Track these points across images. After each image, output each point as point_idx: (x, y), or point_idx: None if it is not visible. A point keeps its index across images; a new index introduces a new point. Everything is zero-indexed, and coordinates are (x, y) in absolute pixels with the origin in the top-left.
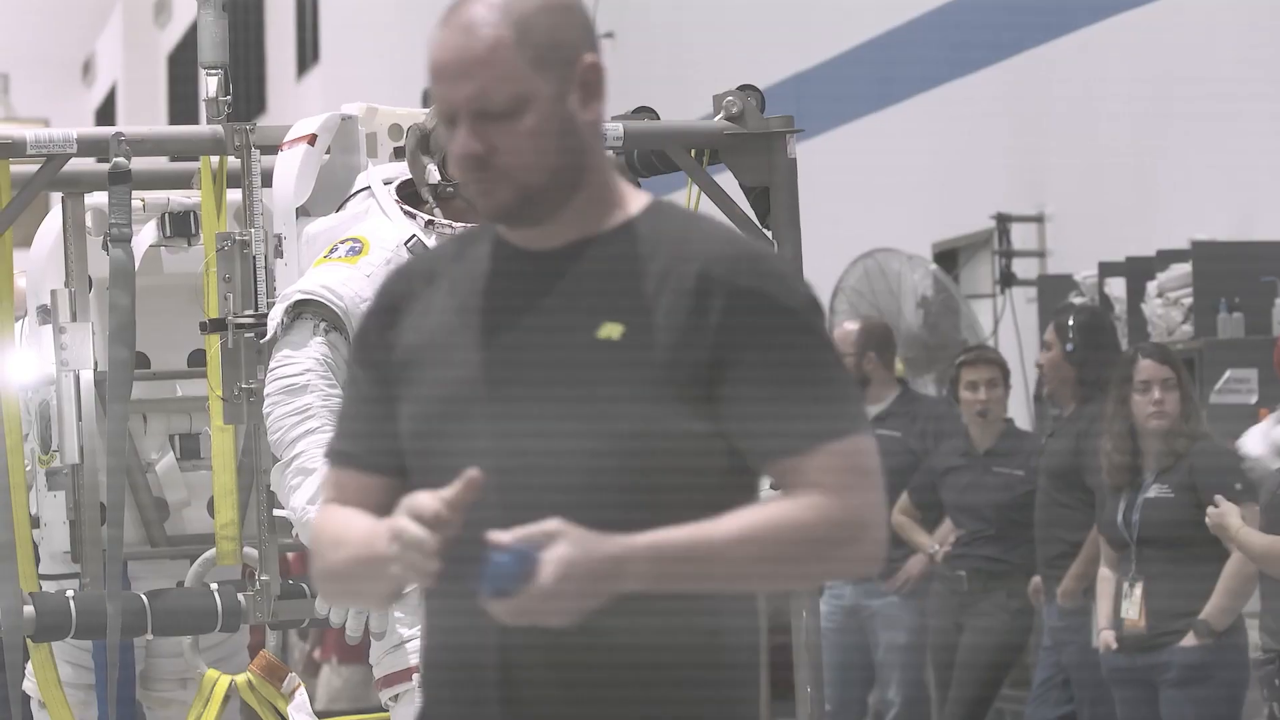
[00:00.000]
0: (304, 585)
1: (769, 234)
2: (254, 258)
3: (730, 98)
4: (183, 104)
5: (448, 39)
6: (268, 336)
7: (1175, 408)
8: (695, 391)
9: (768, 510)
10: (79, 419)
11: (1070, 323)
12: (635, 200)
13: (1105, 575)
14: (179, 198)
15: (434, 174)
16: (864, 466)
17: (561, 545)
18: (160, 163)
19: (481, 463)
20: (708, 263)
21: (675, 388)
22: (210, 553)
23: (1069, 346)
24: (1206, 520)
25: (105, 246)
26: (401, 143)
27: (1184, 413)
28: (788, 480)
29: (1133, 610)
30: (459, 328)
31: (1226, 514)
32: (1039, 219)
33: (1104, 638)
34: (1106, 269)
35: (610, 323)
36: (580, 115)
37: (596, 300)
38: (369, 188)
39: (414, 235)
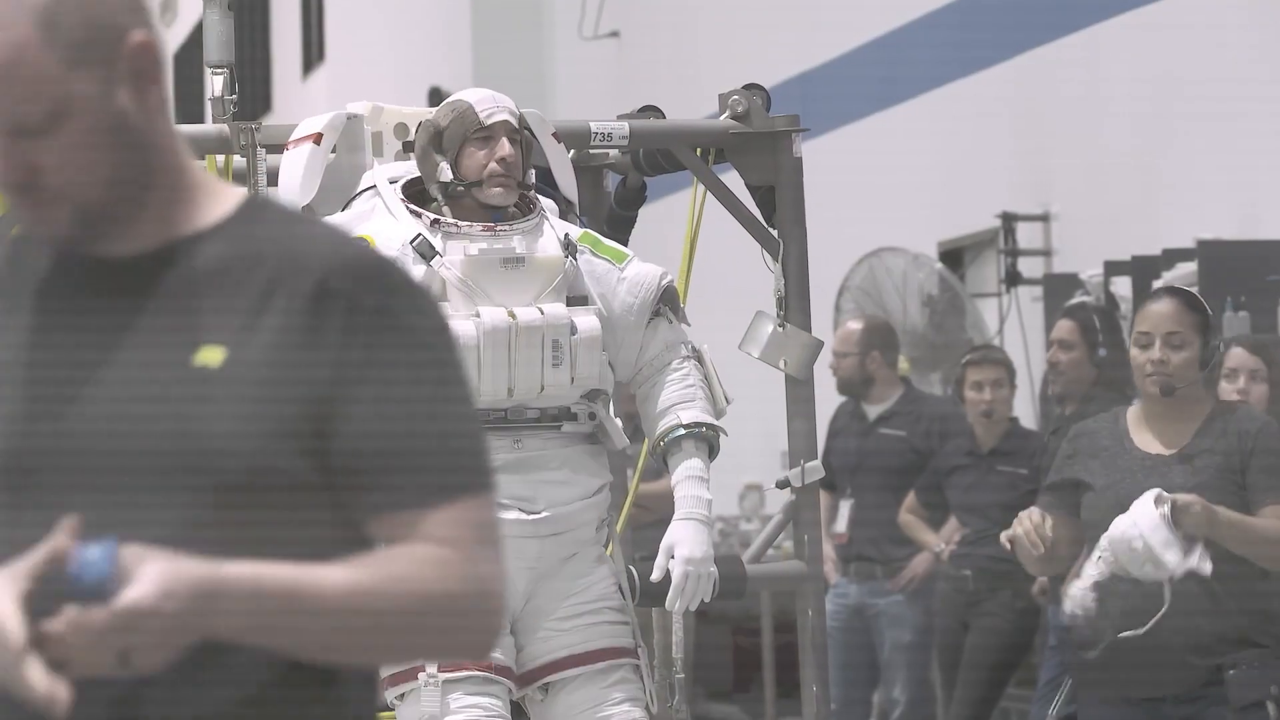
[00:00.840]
0: None
1: (775, 233)
2: None
3: (736, 97)
4: (188, 103)
5: None
6: None
7: (1262, 399)
8: (310, 427)
9: (386, 561)
10: None
11: (1098, 324)
12: (227, 196)
13: None
14: None
15: (446, 172)
16: (492, 531)
17: (154, 557)
18: None
19: (52, 515)
20: (327, 273)
21: (287, 423)
22: None
23: (1102, 351)
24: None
25: None
26: (410, 138)
27: (1271, 408)
28: (401, 539)
29: None
30: (16, 348)
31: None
32: (1044, 218)
33: None
34: (1112, 268)
35: (209, 345)
36: (136, 107)
37: (191, 318)
38: (374, 187)
39: (419, 234)
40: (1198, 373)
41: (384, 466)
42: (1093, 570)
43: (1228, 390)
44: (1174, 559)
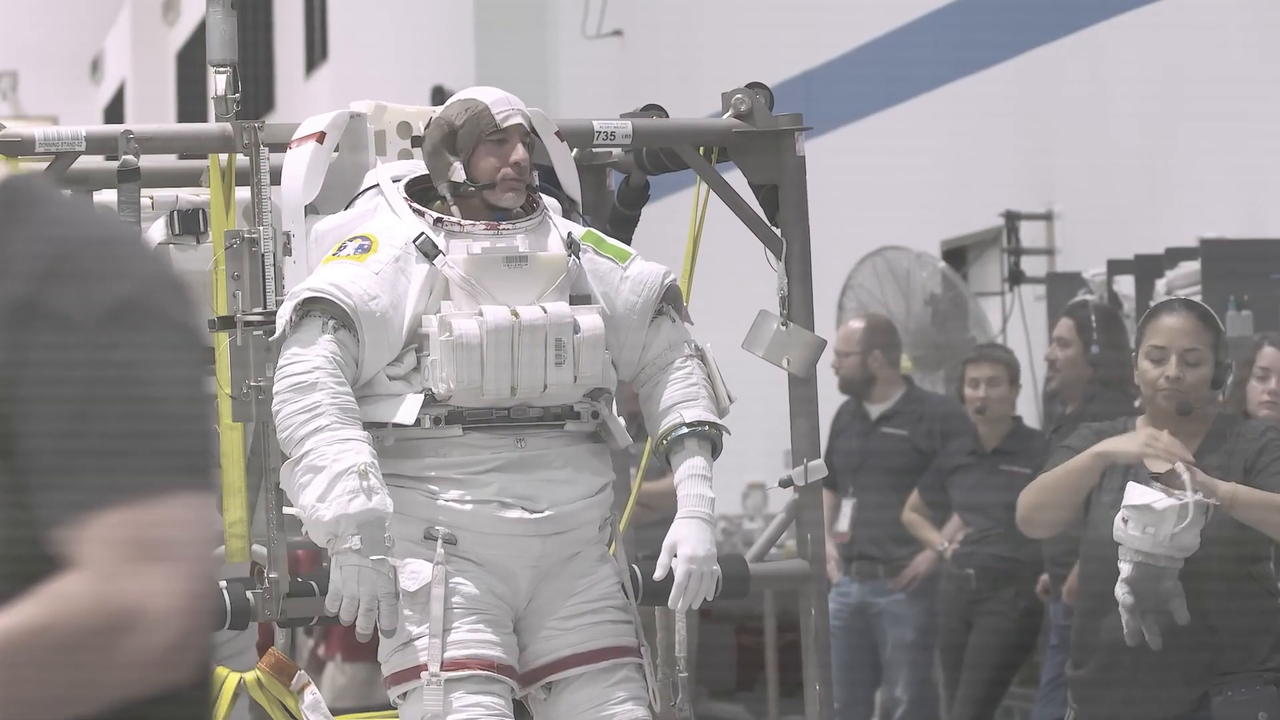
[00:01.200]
0: (313, 583)
1: (778, 232)
2: (262, 255)
3: (739, 95)
4: (191, 102)
5: None
6: (276, 334)
7: None
8: (6, 455)
9: (17, 606)
10: None
11: (1094, 322)
12: None
13: None
14: (187, 195)
15: (458, 172)
16: (153, 539)
17: None
18: (169, 160)
19: None
20: (5, 267)
21: None
22: (219, 550)
23: (1094, 349)
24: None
25: None
26: (416, 134)
27: None
28: (65, 558)
29: None
30: None
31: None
32: (1048, 217)
33: None
34: (1115, 267)
35: None
36: None
37: None
38: (377, 185)
39: (422, 233)
40: (1210, 391)
41: (39, 482)
42: (1120, 589)
43: (1258, 390)
44: (1155, 496)
